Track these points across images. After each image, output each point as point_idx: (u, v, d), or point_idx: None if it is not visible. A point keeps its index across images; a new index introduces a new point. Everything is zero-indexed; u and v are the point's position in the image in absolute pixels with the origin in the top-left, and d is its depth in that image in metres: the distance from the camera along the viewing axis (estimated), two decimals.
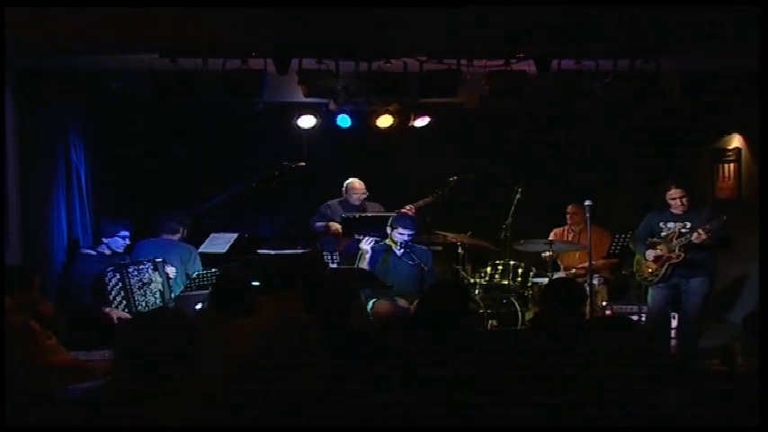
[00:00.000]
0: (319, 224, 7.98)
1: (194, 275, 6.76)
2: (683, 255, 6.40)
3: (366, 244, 6.90)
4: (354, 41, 5.99)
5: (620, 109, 8.49)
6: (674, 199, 6.51)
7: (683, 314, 6.65)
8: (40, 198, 6.87)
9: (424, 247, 7.17)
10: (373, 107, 7.77)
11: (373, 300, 6.66)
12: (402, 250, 6.94)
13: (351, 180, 7.97)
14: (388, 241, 7.00)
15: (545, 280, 7.35)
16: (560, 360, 3.20)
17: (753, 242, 6.64)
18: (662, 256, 6.51)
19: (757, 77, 5.36)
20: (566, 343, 3.44)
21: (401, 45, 6.06)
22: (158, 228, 7.17)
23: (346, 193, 7.96)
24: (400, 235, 6.89)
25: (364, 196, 7.93)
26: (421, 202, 7.88)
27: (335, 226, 7.81)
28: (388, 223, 7.00)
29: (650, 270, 6.60)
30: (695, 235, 6.30)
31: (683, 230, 6.46)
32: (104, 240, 6.76)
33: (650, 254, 6.57)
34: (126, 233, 6.77)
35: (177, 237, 7.17)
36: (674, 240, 6.45)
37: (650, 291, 6.76)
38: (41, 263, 6.67)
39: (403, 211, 7.70)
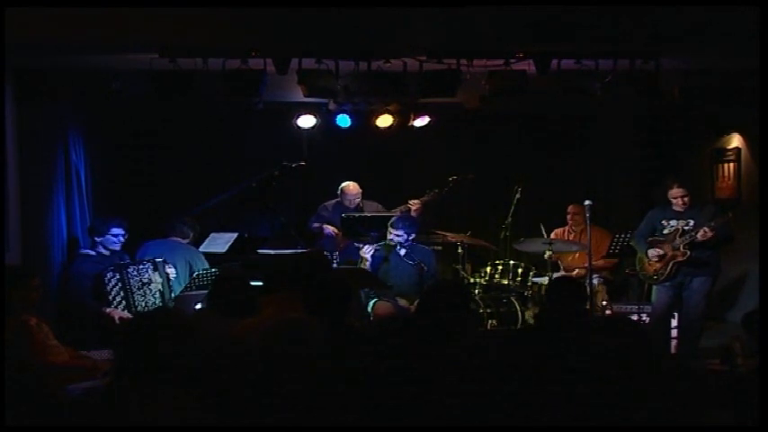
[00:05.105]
0: (316, 225, 7.99)
1: (195, 275, 6.76)
2: (688, 252, 6.40)
3: (367, 252, 6.90)
4: (354, 41, 5.99)
5: (620, 109, 8.50)
6: (675, 198, 6.52)
7: (684, 314, 6.65)
8: (40, 198, 6.86)
9: (426, 248, 7.18)
10: (373, 107, 7.78)
11: (374, 300, 6.66)
12: (404, 250, 6.94)
13: (345, 184, 7.97)
14: (387, 241, 7.01)
15: (545, 280, 7.36)
16: (563, 359, 3.20)
17: (752, 242, 6.63)
18: (665, 255, 6.50)
19: (757, 77, 5.36)
20: (569, 342, 3.44)
21: (401, 45, 6.06)
22: (168, 229, 7.15)
23: (341, 195, 7.97)
24: (389, 235, 6.92)
25: (357, 200, 7.93)
26: (425, 198, 7.89)
27: (330, 228, 7.83)
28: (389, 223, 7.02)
29: (654, 269, 6.59)
30: (701, 233, 6.30)
31: (686, 228, 6.46)
32: (97, 240, 6.72)
33: (652, 253, 6.57)
34: (119, 230, 6.64)
35: (186, 241, 7.17)
36: (678, 238, 6.45)
37: (654, 289, 6.76)
38: (41, 263, 6.65)
39: (408, 205, 7.73)
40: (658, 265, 6.56)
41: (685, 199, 6.49)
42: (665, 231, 6.57)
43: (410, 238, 6.98)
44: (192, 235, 7.24)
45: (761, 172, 6.86)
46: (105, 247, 6.68)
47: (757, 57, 4.84)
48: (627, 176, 9.28)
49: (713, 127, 8.30)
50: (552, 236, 7.85)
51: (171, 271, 6.75)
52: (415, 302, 5.48)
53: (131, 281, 6.46)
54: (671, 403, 2.89)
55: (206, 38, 5.84)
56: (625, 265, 7.68)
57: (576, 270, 7.78)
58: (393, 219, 7.06)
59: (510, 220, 7.79)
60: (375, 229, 7.21)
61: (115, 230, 6.65)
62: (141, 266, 6.58)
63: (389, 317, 5.00)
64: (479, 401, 2.90)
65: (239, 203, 7.85)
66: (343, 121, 7.95)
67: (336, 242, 7.77)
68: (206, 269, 6.79)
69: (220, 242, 7.49)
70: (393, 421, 2.77)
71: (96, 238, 6.74)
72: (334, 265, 6.93)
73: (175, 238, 7.13)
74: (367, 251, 6.90)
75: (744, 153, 8.00)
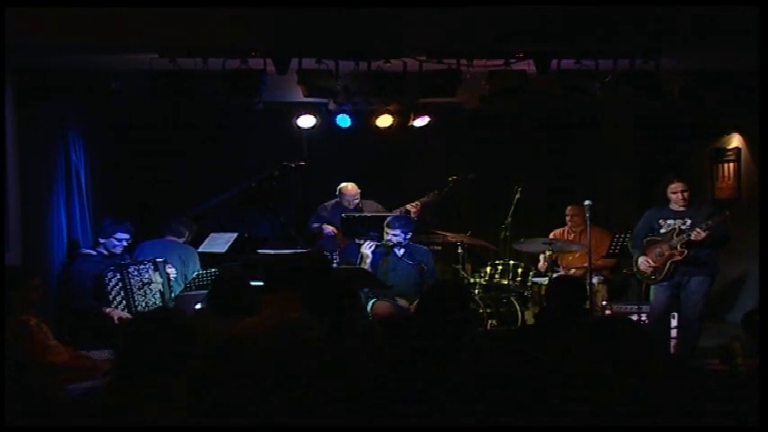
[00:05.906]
0: (315, 225, 8.01)
1: (194, 275, 6.76)
2: (685, 251, 6.38)
3: (367, 248, 6.90)
4: (354, 41, 5.99)
5: (620, 109, 8.50)
6: (675, 193, 6.49)
7: (682, 314, 6.64)
8: (40, 198, 6.86)
9: (424, 247, 7.18)
10: (373, 107, 7.78)
11: (373, 300, 6.66)
12: (403, 250, 6.95)
13: (343, 185, 7.98)
14: (384, 242, 7.01)
15: (545, 280, 7.36)
16: (563, 359, 3.20)
17: (752, 242, 6.64)
18: (663, 254, 6.48)
19: (757, 77, 5.36)
20: (569, 342, 3.44)
21: (401, 45, 6.06)
22: (164, 229, 7.15)
23: (340, 196, 7.98)
24: (386, 235, 6.92)
25: (356, 201, 7.95)
26: (425, 199, 7.90)
27: (330, 228, 7.84)
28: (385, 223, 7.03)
29: (652, 269, 6.57)
30: (694, 234, 6.28)
31: (683, 227, 6.44)
32: (101, 240, 6.72)
33: (642, 261, 6.55)
34: (124, 236, 6.65)
35: (182, 240, 7.17)
36: (675, 237, 6.43)
37: (652, 289, 6.74)
38: (41, 263, 6.65)
39: (407, 207, 7.74)
40: (656, 264, 6.54)
41: (685, 194, 6.46)
42: (663, 230, 6.55)
43: (407, 237, 6.98)
44: (188, 234, 7.23)
45: (761, 172, 6.86)
46: (107, 249, 6.69)
47: (757, 57, 4.84)
48: (627, 176, 9.28)
49: (713, 127, 8.30)
50: (551, 236, 7.86)
51: (171, 271, 6.75)
52: (415, 302, 5.48)
53: (132, 281, 6.46)
54: (671, 403, 2.89)
55: (206, 38, 5.84)
56: (623, 265, 7.68)
57: (574, 270, 7.78)
58: (389, 218, 7.06)
59: (510, 220, 7.80)
60: (375, 229, 7.22)
61: (120, 235, 6.66)
62: (142, 266, 6.57)
63: (389, 317, 5.00)
64: (479, 401, 2.90)
65: (239, 203, 7.86)
66: (343, 121, 7.96)
67: (336, 242, 7.78)
68: (204, 271, 6.79)
69: (220, 242, 7.48)
70: (393, 421, 2.77)
71: (100, 239, 6.75)
72: (334, 265, 6.93)
73: (171, 238, 7.12)
74: (368, 247, 6.92)
75: (744, 153, 8.00)
